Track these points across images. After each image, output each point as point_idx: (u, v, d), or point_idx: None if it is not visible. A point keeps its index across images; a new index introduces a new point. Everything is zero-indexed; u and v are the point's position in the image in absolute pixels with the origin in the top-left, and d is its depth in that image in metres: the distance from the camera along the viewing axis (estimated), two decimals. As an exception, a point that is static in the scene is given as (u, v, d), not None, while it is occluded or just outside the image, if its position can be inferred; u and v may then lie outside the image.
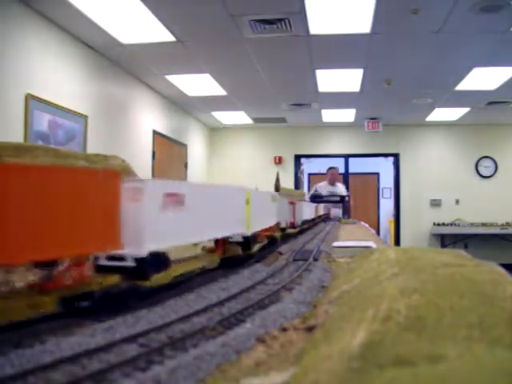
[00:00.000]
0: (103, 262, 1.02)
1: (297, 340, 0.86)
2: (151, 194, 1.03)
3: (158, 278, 1.10)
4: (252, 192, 1.72)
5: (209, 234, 1.39)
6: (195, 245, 1.63)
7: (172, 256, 1.21)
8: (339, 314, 0.90)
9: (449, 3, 4.55)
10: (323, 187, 8.66)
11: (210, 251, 1.61)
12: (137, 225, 0.98)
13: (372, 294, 0.85)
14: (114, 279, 1.02)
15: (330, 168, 8.89)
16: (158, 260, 1.10)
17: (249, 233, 1.65)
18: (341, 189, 8.69)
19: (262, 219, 1.88)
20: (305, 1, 4.51)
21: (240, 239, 1.63)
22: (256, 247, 1.77)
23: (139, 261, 1.02)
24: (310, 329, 0.90)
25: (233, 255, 1.63)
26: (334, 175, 8.76)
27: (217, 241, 1.58)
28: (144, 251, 1.01)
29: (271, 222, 2.09)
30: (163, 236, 1.09)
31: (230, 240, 1.61)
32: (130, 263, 1.02)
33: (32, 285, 0.91)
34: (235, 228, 1.56)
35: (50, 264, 0.90)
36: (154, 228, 1.03)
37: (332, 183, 8.67)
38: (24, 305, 0.85)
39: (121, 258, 1.03)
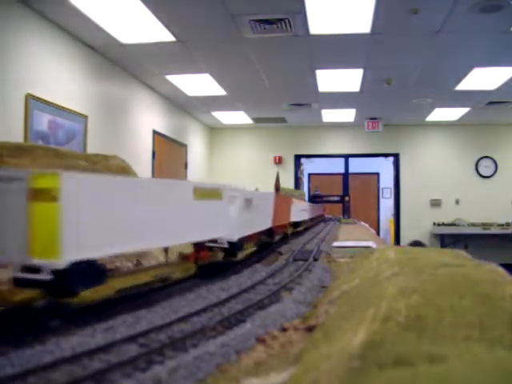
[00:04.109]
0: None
1: (297, 340, 0.86)
2: None
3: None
4: None
5: None
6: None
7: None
8: (339, 314, 0.90)
9: (449, 3, 4.55)
10: None
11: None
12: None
13: (372, 294, 0.85)
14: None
15: None
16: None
17: None
18: None
19: None
20: (305, 1, 4.51)
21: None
22: None
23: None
24: (310, 329, 0.90)
25: None
26: None
27: None
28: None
29: None
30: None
31: None
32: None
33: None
34: None
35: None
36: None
37: None
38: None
39: None
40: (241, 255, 1.67)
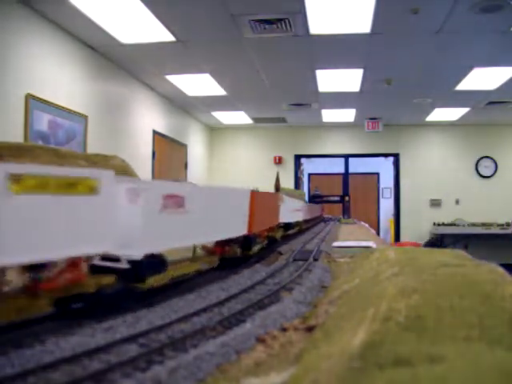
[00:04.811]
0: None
1: (297, 340, 0.86)
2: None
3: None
4: None
5: None
6: None
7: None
8: (339, 314, 0.89)
9: (449, 3, 4.55)
10: None
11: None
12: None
13: (372, 294, 0.85)
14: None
15: None
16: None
17: None
18: None
19: None
20: (305, 1, 4.51)
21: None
22: None
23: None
24: (310, 329, 0.90)
25: None
26: None
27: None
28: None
29: None
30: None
31: None
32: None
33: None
34: None
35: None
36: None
37: None
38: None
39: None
40: (154, 280, 1.07)
